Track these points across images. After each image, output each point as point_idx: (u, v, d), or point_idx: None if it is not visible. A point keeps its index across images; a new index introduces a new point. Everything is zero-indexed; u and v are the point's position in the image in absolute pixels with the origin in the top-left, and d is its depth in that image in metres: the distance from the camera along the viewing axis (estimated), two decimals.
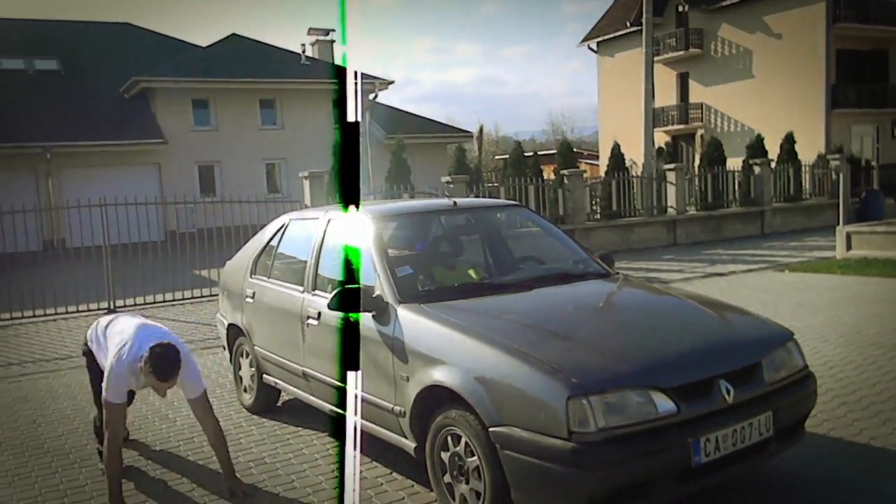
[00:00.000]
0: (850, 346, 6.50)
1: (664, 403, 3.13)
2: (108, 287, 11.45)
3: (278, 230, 5.53)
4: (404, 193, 13.71)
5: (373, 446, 4.58)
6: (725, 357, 3.40)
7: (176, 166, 23.55)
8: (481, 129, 35.30)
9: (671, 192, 17.01)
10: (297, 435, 5.10)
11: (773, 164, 19.03)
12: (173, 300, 11.79)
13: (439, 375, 3.52)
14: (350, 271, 4.65)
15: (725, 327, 3.75)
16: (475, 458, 3.39)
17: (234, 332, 5.85)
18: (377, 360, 3.98)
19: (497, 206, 5.66)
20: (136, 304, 11.50)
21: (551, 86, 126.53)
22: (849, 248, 12.87)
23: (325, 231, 4.88)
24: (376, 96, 26.68)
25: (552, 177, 15.99)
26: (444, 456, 3.60)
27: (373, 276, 4.20)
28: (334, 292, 4.08)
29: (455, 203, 4.89)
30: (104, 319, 4.47)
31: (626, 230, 16.41)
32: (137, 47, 27.34)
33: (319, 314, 4.53)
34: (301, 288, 4.85)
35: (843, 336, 6.92)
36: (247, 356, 5.68)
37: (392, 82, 26.60)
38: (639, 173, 17.41)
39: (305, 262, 4.91)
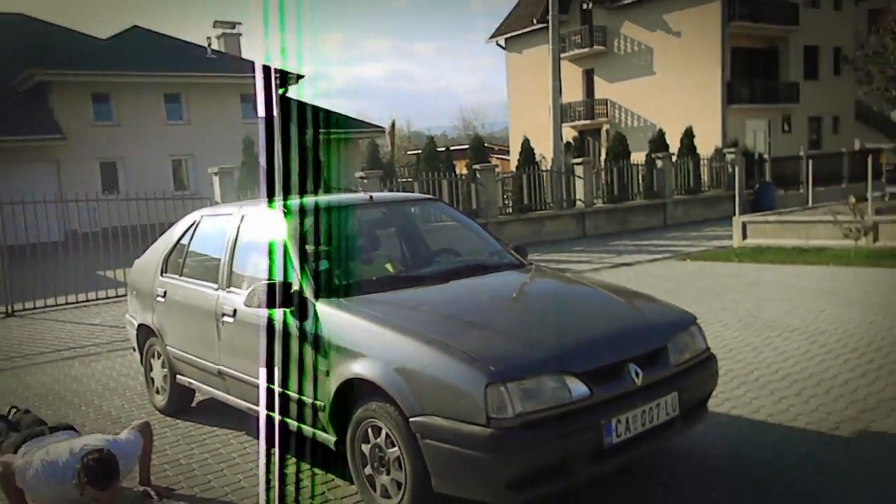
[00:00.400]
0: (748, 329, 6.88)
1: (577, 387, 3.25)
2: (6, 290, 10.89)
3: (190, 227, 5.41)
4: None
5: (292, 442, 4.57)
6: (634, 341, 3.56)
7: (76, 163, 22.54)
8: (393, 124, 35.27)
9: (579, 185, 17.47)
10: (213, 435, 5.02)
11: (674, 158, 19.80)
12: (76, 302, 11.34)
13: (359, 368, 3.55)
14: (267, 267, 4.62)
15: (633, 313, 3.91)
16: (395, 448, 3.43)
17: (144, 332, 5.69)
18: (296, 356, 3.97)
19: (413, 199, 5.70)
20: (35, 308, 11.00)
21: (462, 81, 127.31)
22: (744, 237, 13.56)
23: (239, 227, 4.81)
24: (287, 91, 26.25)
25: (465, 172, 16.13)
26: (365, 448, 3.63)
27: (290, 272, 4.18)
28: (251, 289, 4.05)
29: (371, 197, 4.91)
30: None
31: (537, 223, 16.77)
32: (32, 39, 25.95)
33: (235, 311, 4.47)
34: (215, 285, 4.77)
35: (741, 320, 7.31)
36: (158, 357, 5.54)
37: (302, 77, 26.22)
38: (549, 168, 17.79)
39: (219, 258, 4.83)
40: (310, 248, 4.34)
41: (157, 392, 5.62)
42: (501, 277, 4.48)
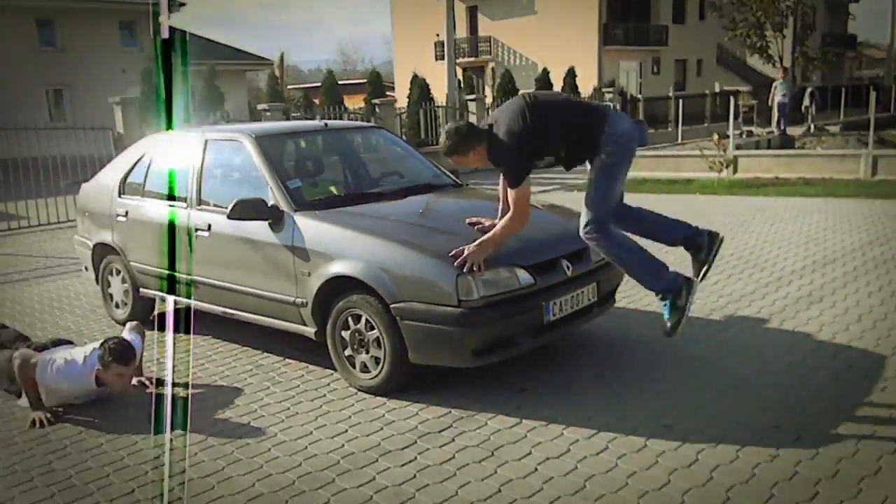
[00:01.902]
0: None
1: (525, 277, 4.10)
2: None
3: (147, 150, 5.81)
4: (220, 121, 13.71)
5: (261, 339, 5.23)
6: (565, 242, 4.43)
7: None
8: (282, 57, 34.65)
9: (473, 121, 18.29)
10: (180, 339, 5.55)
11: None
12: None
13: (341, 268, 4.24)
14: (237, 186, 5.18)
15: (563, 221, 4.79)
16: (374, 331, 4.18)
17: (100, 251, 6.06)
18: (276, 262, 4.60)
19: (361, 127, 6.34)
20: None
21: (335, 13, 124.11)
22: None
23: (204, 150, 5.29)
24: (168, 17, 25.34)
25: (360, 106, 16.57)
26: (345, 334, 4.35)
27: (263, 190, 4.76)
28: (233, 203, 4.60)
29: (326, 125, 5.50)
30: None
31: (433, 157, 17.49)
32: None
33: (210, 226, 5.01)
34: (184, 204, 5.26)
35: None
36: (117, 273, 5.96)
37: (184, 4, 25.40)
38: (444, 104, 18.48)
39: (186, 179, 5.30)
40: (282, 168, 4.93)
41: (117, 306, 6.05)
42: (449, 194, 5.25)
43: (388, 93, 37.59)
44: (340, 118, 15.66)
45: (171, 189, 5.49)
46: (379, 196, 5.02)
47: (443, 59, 37.14)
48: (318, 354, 4.76)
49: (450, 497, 3.14)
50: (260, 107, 14.42)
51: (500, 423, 3.82)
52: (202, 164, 5.27)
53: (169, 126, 6.01)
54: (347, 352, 4.38)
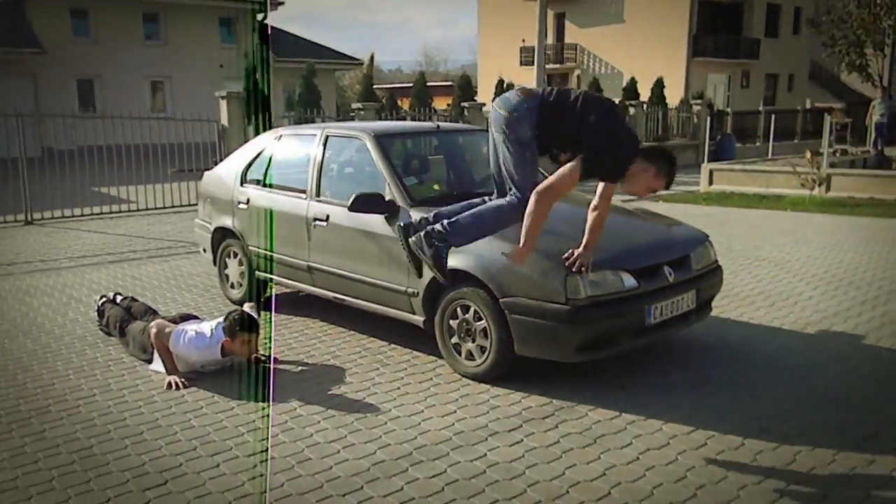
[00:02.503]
0: (725, 258, 7.98)
1: (629, 280, 4.31)
2: (25, 199, 11.43)
3: (270, 143, 6.24)
4: (317, 118, 14.26)
5: (366, 324, 5.57)
6: (668, 249, 4.63)
7: (53, 79, 22.52)
8: (372, 58, 35.46)
9: None
10: (291, 321, 5.93)
11: (644, 107, 20.91)
12: (91, 214, 11.93)
13: (454, 262, 4.48)
14: (354, 180, 5.54)
15: (665, 229, 4.98)
16: (482, 321, 4.45)
17: (220, 234, 6.53)
18: (391, 253, 4.92)
19: (470, 130, 6.63)
20: (53, 217, 11.59)
21: (421, 15, 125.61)
22: (710, 182, 14.81)
23: (324, 145, 5.68)
24: (266, 17, 26.37)
25: (446, 108, 16.92)
26: (453, 323, 4.63)
27: (379, 184, 5.10)
28: (354, 197, 4.94)
29: (438, 126, 5.82)
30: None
31: None
32: None
33: (328, 216, 5.38)
34: (303, 195, 5.65)
35: (717, 251, 8.46)
36: (234, 256, 6.41)
37: (282, 3, 26.34)
38: None
39: (306, 172, 5.69)
40: (398, 165, 5.26)
41: (233, 286, 6.51)
42: None
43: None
44: (430, 119, 16.04)
45: (291, 180, 5.90)
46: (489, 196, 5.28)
47: (527, 64, 37.29)
48: (422, 342, 5.08)
49: (557, 476, 3.38)
50: (354, 105, 14.95)
51: (600, 416, 4.04)
52: (322, 158, 5.65)
53: (266, 120, 6.43)
54: (454, 340, 4.67)
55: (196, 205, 7.36)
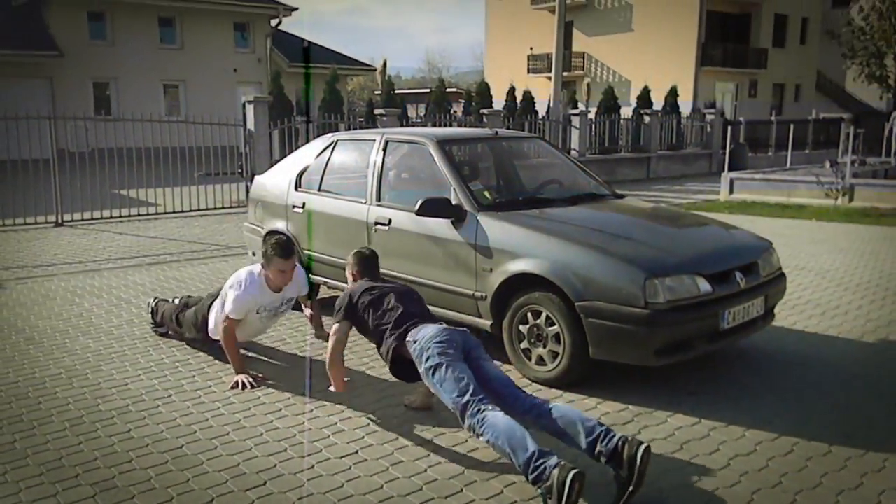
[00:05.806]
0: None
1: (704, 285, 4.34)
2: (56, 201, 11.46)
3: (325, 149, 6.28)
4: (340, 123, 14.32)
5: None
6: (739, 255, 4.68)
7: (70, 81, 22.57)
8: (385, 64, 35.58)
9: (575, 135, 18.53)
10: None
11: (659, 115, 20.97)
12: (119, 217, 11.96)
13: (527, 266, 4.55)
14: (417, 185, 5.58)
15: (731, 235, 5.03)
16: (555, 327, 4.48)
17: None
18: (457, 257, 4.96)
19: (524, 136, 6.69)
20: (83, 220, 11.61)
21: (423, 21, 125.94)
22: (731, 191, 14.87)
23: (384, 150, 5.71)
24: (280, 23, 26.45)
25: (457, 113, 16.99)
26: (523, 328, 4.66)
27: (442, 189, 5.14)
28: (421, 201, 4.98)
29: (496, 133, 5.86)
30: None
31: None
32: None
33: (390, 220, 5.41)
34: (363, 200, 5.68)
35: None
36: None
37: (296, 9, 26.42)
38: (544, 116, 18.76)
39: (366, 176, 5.73)
40: (465, 171, 5.30)
41: None
42: (616, 204, 5.54)
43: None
44: (450, 125, 16.11)
45: (349, 184, 5.94)
46: (550, 202, 5.34)
47: (534, 72, 37.45)
48: (485, 347, 5.09)
49: (651, 479, 3.40)
50: (377, 111, 14.98)
51: (680, 421, 4.07)
52: (382, 163, 5.68)
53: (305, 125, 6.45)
54: (524, 345, 4.69)
55: (223, 208, 7.42)
